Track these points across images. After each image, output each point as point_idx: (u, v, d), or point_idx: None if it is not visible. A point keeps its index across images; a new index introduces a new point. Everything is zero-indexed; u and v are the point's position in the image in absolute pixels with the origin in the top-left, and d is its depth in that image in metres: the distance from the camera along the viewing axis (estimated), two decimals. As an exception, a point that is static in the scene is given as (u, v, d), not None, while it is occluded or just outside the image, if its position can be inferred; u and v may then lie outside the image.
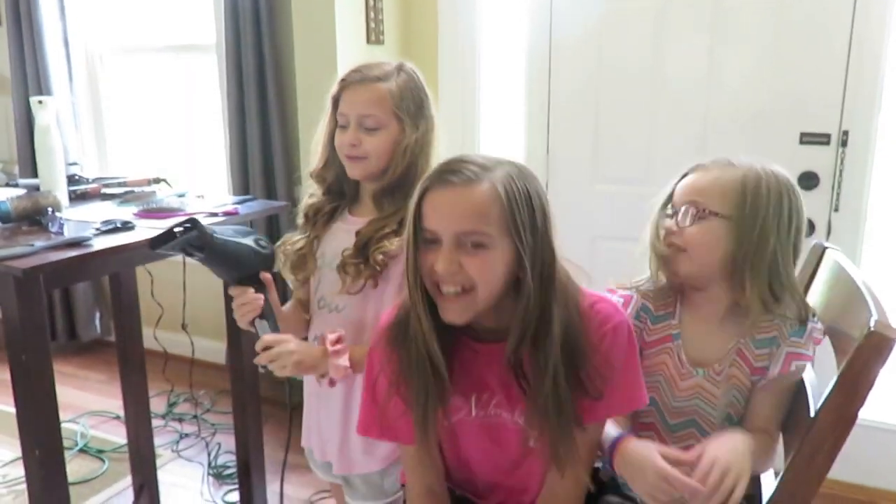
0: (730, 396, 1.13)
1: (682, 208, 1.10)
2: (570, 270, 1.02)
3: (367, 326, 1.31)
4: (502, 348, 1.00)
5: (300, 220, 1.39)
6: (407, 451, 1.13)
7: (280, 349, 1.21)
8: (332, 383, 1.28)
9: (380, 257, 1.23)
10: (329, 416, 1.39)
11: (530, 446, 1.05)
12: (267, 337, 1.24)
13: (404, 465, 1.19)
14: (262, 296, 1.26)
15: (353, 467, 1.37)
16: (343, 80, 1.30)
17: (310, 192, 1.40)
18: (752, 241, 1.05)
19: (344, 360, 1.24)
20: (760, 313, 1.08)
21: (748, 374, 1.12)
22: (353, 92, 1.28)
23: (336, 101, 1.30)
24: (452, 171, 0.95)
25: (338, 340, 1.25)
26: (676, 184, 1.15)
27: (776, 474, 1.08)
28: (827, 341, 1.12)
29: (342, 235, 1.32)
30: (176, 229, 1.17)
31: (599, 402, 1.00)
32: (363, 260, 1.25)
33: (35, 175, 1.72)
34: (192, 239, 1.16)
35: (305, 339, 1.41)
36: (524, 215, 0.94)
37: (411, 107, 1.28)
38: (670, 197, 1.15)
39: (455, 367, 1.04)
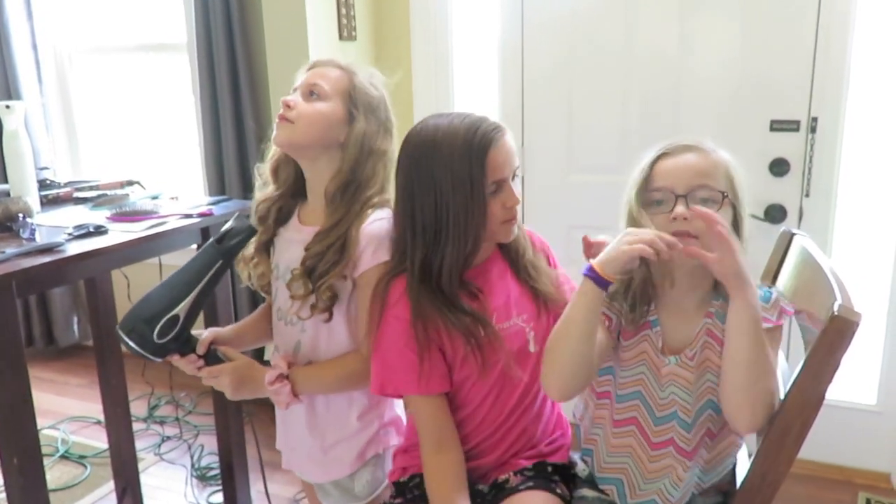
0: (705, 380, 1.08)
1: (689, 193, 1.03)
2: None
3: (321, 342, 1.30)
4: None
5: (253, 218, 1.35)
6: (420, 406, 1.19)
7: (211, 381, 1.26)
8: (286, 405, 1.28)
9: (327, 295, 1.22)
10: (294, 427, 1.37)
11: (531, 351, 1.21)
12: (204, 371, 1.26)
13: (418, 423, 1.20)
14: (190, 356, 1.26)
15: (323, 476, 1.36)
16: (312, 63, 1.30)
17: (260, 185, 1.37)
18: (745, 221, 1.06)
19: (284, 397, 1.25)
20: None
21: (720, 352, 1.06)
22: (313, 69, 1.28)
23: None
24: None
25: (277, 379, 1.25)
26: (649, 171, 1.08)
27: (749, 455, 1.10)
28: (796, 326, 1.15)
29: (294, 248, 1.28)
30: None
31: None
32: (312, 290, 1.23)
33: (5, 181, 1.70)
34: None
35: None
36: None
37: (361, 100, 1.25)
38: (643, 187, 1.08)
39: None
